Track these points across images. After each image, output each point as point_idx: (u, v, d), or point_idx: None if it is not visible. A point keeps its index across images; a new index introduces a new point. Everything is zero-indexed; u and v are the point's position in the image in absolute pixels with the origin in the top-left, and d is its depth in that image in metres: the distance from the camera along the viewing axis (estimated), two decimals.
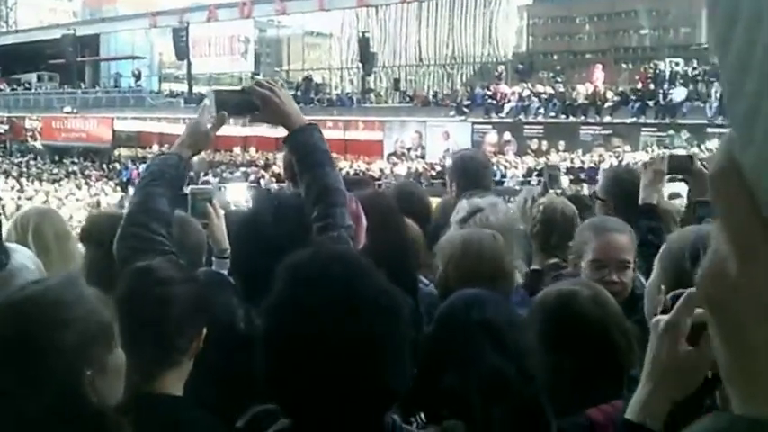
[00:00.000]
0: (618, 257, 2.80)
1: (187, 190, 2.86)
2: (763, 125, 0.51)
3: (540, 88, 28.19)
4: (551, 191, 4.43)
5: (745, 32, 0.51)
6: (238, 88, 2.57)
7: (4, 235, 2.96)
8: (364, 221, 2.53)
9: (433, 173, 25.15)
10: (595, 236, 2.83)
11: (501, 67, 32.19)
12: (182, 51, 35.53)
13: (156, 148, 31.58)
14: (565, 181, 22.73)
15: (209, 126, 2.48)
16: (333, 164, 2.49)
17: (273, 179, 26.79)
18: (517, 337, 1.85)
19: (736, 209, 0.55)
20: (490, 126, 28.43)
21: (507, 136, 28.05)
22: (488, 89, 29.13)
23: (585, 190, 17.59)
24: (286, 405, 1.48)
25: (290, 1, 34.33)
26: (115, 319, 1.82)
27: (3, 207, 23.98)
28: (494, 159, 26.56)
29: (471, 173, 3.94)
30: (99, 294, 1.66)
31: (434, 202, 4.32)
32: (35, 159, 38.67)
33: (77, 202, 26.88)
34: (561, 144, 26.75)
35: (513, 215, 3.54)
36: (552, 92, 27.74)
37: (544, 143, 27.35)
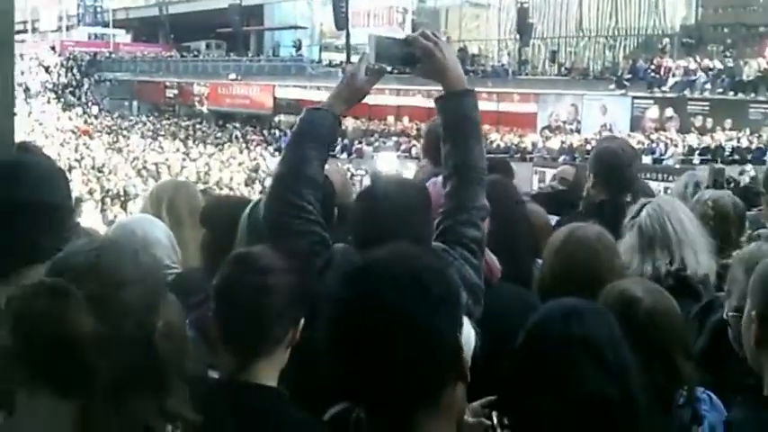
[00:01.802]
0: None
1: None
2: None
3: (707, 63, 26.64)
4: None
5: None
6: (401, 37, 2.35)
7: (140, 207, 2.95)
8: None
9: (588, 148, 24.37)
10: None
11: (666, 40, 30.65)
12: (341, 22, 36.04)
13: None
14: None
15: (365, 79, 2.33)
16: (480, 137, 2.32)
17: None
18: (619, 356, 1.61)
19: None
20: (652, 101, 27.12)
21: (669, 112, 26.66)
22: (652, 62, 27.87)
23: (752, 171, 16.62)
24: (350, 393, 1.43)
25: None
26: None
27: (168, 167, 25.41)
28: (654, 136, 25.57)
29: (615, 171, 3.58)
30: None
31: None
32: (201, 123, 40.63)
33: (239, 165, 28.04)
34: (728, 122, 25.11)
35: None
36: (721, 66, 26.20)
37: (709, 120, 25.71)
